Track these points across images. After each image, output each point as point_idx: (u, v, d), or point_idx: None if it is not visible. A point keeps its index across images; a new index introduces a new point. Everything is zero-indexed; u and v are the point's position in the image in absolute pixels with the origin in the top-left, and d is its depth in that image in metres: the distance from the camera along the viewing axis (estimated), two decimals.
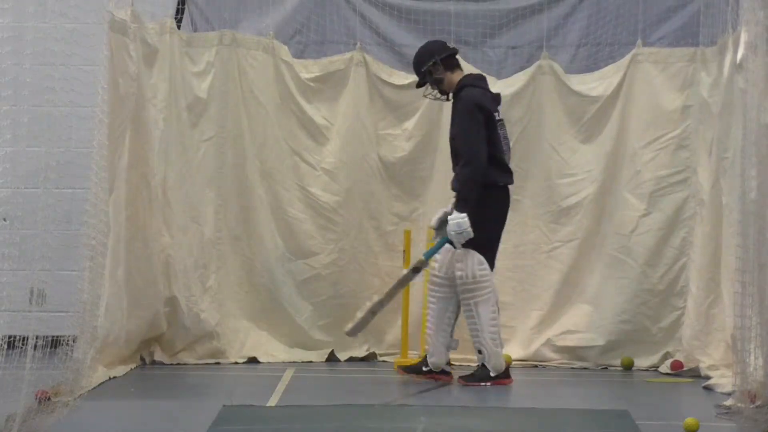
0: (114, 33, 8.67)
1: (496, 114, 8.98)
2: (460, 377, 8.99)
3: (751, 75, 7.62)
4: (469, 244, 8.76)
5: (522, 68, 10.35)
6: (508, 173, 8.98)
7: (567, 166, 10.27)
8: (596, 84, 10.27)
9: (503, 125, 9.04)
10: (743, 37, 8.36)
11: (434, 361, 8.98)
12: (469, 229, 8.69)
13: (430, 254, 8.92)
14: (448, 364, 9.08)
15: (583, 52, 10.47)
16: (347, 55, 10.42)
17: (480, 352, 8.83)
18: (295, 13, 10.53)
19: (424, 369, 9.06)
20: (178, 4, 10.29)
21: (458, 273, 8.78)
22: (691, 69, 10.09)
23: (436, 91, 9.13)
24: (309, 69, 10.41)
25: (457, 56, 9.18)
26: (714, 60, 9.81)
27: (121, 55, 8.80)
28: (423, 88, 9.17)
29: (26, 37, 6.75)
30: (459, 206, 8.77)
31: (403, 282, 9.02)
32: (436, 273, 8.96)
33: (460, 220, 8.70)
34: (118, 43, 8.73)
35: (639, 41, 10.23)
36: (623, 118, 10.20)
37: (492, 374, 8.83)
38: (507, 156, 9.02)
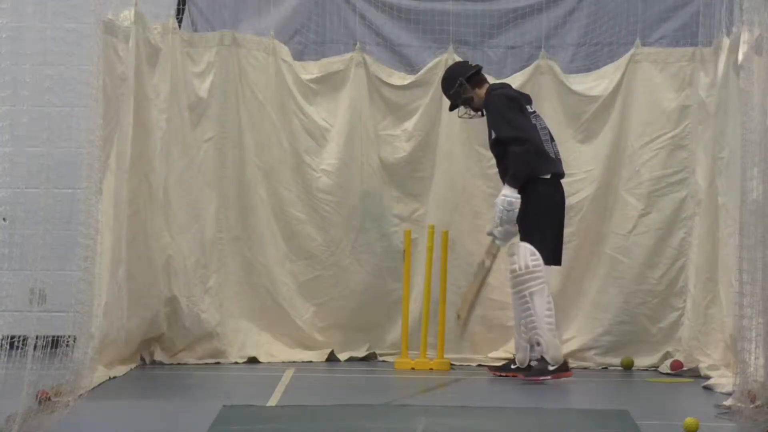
0: (103, 34, 8.65)
1: (528, 107, 9.22)
2: (521, 372, 9.04)
3: (754, 75, 7.62)
4: (525, 234, 8.99)
5: (521, 68, 10.35)
6: (552, 163, 9.16)
7: (566, 166, 10.24)
8: (595, 84, 10.27)
9: (539, 117, 9.29)
10: (744, 38, 8.37)
11: (521, 357, 9.11)
12: (517, 205, 8.96)
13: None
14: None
15: (582, 51, 10.48)
16: (347, 55, 10.42)
17: (538, 344, 8.90)
18: (295, 14, 10.53)
19: (512, 367, 9.21)
20: (178, 5, 10.29)
21: (512, 266, 8.93)
22: (689, 69, 10.10)
23: (469, 110, 9.41)
24: (309, 70, 10.41)
25: (482, 72, 9.49)
26: (712, 60, 9.83)
27: (108, 57, 8.80)
28: (458, 110, 9.45)
29: (25, 37, 6.73)
30: (510, 182, 8.99)
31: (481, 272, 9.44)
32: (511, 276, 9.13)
33: (511, 199, 8.96)
34: (106, 44, 8.72)
35: (638, 41, 10.23)
36: (622, 118, 10.20)
37: (551, 367, 8.89)
38: (550, 146, 9.22)
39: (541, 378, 8.91)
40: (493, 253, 9.55)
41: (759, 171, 7.40)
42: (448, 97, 9.52)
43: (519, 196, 8.97)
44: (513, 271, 8.96)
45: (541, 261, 8.92)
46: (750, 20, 7.81)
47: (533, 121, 9.20)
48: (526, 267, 8.89)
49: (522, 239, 9.03)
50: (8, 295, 6.39)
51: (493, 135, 9.17)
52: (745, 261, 7.49)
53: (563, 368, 8.97)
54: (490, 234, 9.27)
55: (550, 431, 7.21)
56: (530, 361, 9.14)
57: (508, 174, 9.04)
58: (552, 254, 9.09)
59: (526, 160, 9.00)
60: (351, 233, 10.32)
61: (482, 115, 9.38)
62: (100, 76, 8.35)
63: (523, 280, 8.91)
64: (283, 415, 7.47)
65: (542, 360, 8.95)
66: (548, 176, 9.09)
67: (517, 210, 8.99)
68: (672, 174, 10.12)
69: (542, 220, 9.05)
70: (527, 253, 8.90)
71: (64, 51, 7.19)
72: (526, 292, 8.90)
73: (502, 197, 9.00)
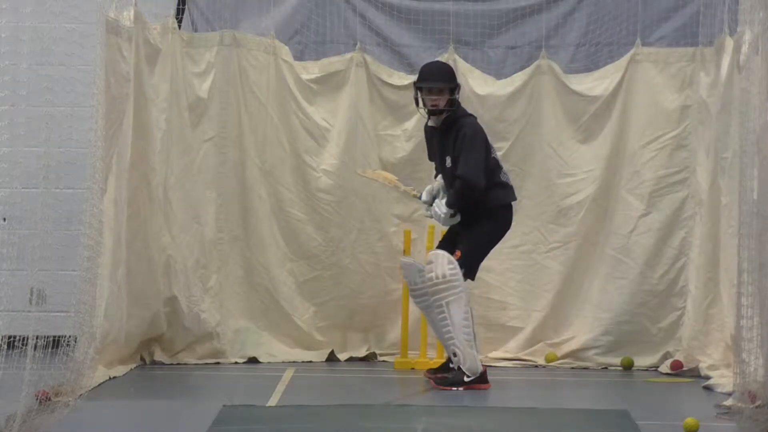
0: (107, 34, 8.65)
1: None
2: (434, 379, 8.85)
3: (753, 75, 7.62)
4: (461, 247, 8.77)
5: (522, 68, 10.36)
6: (512, 191, 9.03)
7: (566, 166, 10.28)
8: (595, 84, 10.28)
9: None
10: (746, 37, 8.38)
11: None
12: (446, 220, 8.82)
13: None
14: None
15: (582, 51, 10.48)
16: (347, 55, 10.43)
17: (454, 354, 8.66)
18: (295, 14, 10.54)
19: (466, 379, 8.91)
20: (179, 5, 10.30)
21: (429, 275, 8.68)
22: (690, 69, 10.11)
23: (423, 110, 8.99)
24: (309, 70, 10.42)
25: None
26: (713, 60, 9.83)
27: (113, 56, 8.80)
28: (417, 98, 8.99)
29: (24, 37, 6.74)
30: (450, 201, 8.83)
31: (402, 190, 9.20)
32: (410, 287, 9.01)
33: (441, 215, 8.84)
34: (110, 44, 8.73)
35: (638, 41, 10.24)
36: (622, 118, 10.21)
37: (467, 378, 8.64)
38: (505, 173, 9.06)
39: (454, 388, 8.62)
40: (408, 192, 9.26)
41: (758, 171, 7.40)
42: (446, 82, 8.90)
43: (456, 217, 8.84)
44: (430, 279, 8.67)
45: (458, 270, 8.64)
46: (750, 20, 7.81)
47: (492, 153, 8.97)
48: (443, 276, 8.61)
49: (460, 247, 8.77)
50: (8, 295, 6.39)
51: (448, 163, 8.90)
52: (745, 261, 7.49)
53: (481, 380, 8.69)
54: (426, 202, 8.98)
55: (549, 431, 7.21)
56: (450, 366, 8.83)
57: (450, 193, 8.84)
58: (474, 271, 8.89)
59: (462, 198, 8.77)
60: (351, 233, 10.33)
61: (439, 116, 8.92)
62: (103, 76, 8.37)
63: (440, 289, 8.62)
64: (283, 415, 7.47)
65: (459, 370, 8.65)
66: (509, 202, 8.97)
67: (443, 223, 8.91)
68: (673, 174, 10.12)
69: (490, 242, 8.92)
70: (444, 262, 8.64)
71: (64, 51, 7.19)
72: (443, 302, 8.61)
73: (437, 210, 8.85)
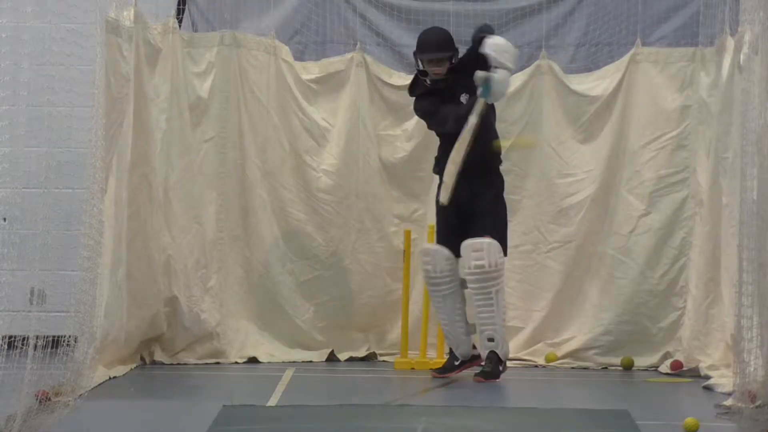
0: (107, 33, 8.66)
1: None
2: (475, 375, 9.04)
3: (753, 75, 7.63)
4: (494, 227, 8.98)
5: (522, 68, 10.35)
6: None
7: (566, 166, 10.28)
8: (595, 84, 10.28)
9: None
10: (746, 37, 8.39)
11: (462, 351, 9.16)
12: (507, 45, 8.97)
13: (485, 94, 8.92)
14: (473, 347, 9.23)
15: (582, 51, 10.49)
16: (347, 55, 10.44)
17: (491, 339, 8.92)
18: (295, 14, 10.55)
19: (456, 364, 9.20)
20: (179, 5, 10.30)
21: (477, 262, 8.87)
22: (690, 69, 10.11)
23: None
24: (309, 70, 10.42)
25: None
26: (713, 60, 9.83)
27: (113, 56, 8.81)
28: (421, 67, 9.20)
29: (25, 37, 6.75)
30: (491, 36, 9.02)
31: (470, 131, 9.02)
32: (432, 275, 9.07)
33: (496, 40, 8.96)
34: (110, 44, 8.73)
35: (638, 41, 10.24)
36: (622, 118, 10.21)
37: (501, 367, 8.98)
38: None
39: (500, 377, 9.01)
40: (479, 113, 9.06)
41: (758, 171, 7.40)
42: (449, 50, 9.11)
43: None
44: (480, 267, 8.88)
45: (504, 258, 9.01)
46: (751, 19, 7.81)
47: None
48: (496, 264, 8.89)
49: (492, 234, 8.96)
50: (8, 295, 6.40)
51: (464, 99, 9.07)
52: (745, 261, 7.50)
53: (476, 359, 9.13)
54: (485, 80, 8.88)
55: (549, 431, 7.21)
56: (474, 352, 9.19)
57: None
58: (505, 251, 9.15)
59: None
60: (351, 233, 10.33)
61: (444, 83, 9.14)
62: (103, 76, 8.37)
63: (492, 277, 8.87)
64: (283, 415, 7.47)
65: (489, 360, 8.97)
66: None
67: (506, 50, 8.99)
68: (673, 174, 10.12)
69: (506, 219, 9.20)
70: (496, 251, 8.89)
71: (64, 51, 7.20)
72: (493, 290, 8.88)
73: (495, 42, 8.93)
